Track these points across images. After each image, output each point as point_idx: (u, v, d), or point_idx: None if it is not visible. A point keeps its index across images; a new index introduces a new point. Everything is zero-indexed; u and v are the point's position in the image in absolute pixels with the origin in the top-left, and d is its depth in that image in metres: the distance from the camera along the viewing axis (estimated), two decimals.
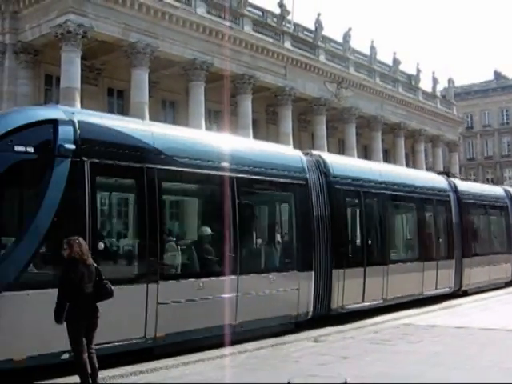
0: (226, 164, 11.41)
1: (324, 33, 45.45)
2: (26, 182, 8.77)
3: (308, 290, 13.00)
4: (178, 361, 9.68)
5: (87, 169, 8.95)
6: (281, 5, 41.35)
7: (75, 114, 9.57)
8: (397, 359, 9.87)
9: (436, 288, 18.44)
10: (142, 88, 31.54)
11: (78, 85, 29.15)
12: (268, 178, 12.50)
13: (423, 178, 20.46)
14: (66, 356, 8.42)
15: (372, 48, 51.17)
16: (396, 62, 54.35)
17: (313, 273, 13.16)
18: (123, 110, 35.78)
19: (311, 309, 13.25)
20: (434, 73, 61.13)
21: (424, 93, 58.17)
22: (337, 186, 14.29)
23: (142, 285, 9.60)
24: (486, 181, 74.98)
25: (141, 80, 31.57)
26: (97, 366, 7.79)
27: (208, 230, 11.45)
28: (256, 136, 40.49)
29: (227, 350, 10.36)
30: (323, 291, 13.52)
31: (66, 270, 7.68)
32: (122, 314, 9.10)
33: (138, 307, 9.52)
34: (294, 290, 12.63)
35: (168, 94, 38.16)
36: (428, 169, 59.82)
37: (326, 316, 13.71)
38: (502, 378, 8.54)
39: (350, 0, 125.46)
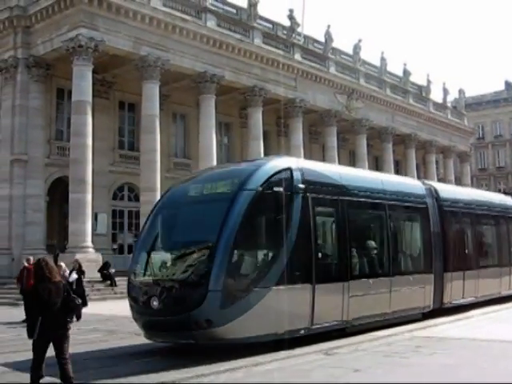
0: (381, 194, 15.42)
1: (334, 44, 45.57)
2: (279, 211, 12.09)
3: (430, 288, 16.50)
4: (191, 373, 9.68)
5: (310, 201, 12.71)
6: (291, 17, 41.48)
7: (299, 162, 13.74)
8: (409, 372, 9.80)
9: (509, 289, 21.69)
10: (153, 101, 31.70)
11: (90, 98, 29.34)
12: (404, 204, 16.42)
13: (497, 198, 24.75)
14: (302, 332, 12.26)
15: (382, 59, 51.24)
16: (406, 73, 54.33)
17: (432, 275, 16.61)
18: (134, 123, 36.02)
19: (431, 303, 16.62)
20: (444, 84, 61.31)
21: (435, 104, 58.12)
22: (444, 208, 17.91)
23: (341, 283, 13.23)
24: (498, 191, 74.52)
25: (152, 93, 31.72)
26: (71, 373, 8.34)
27: (373, 244, 15.20)
28: (267, 148, 40.58)
29: (240, 363, 10.40)
30: (438, 289, 16.87)
31: (35, 287, 8.43)
32: (332, 303, 13.03)
33: (339, 299, 13.17)
34: (422, 288, 16.19)
35: (179, 106, 38.36)
36: (439, 180, 59.69)
37: (439, 309, 16.91)
38: None
39: (360, 12, 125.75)
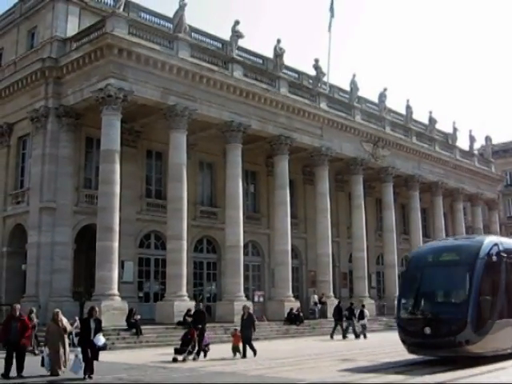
0: None
1: (359, 93, 45.89)
2: (495, 271, 18.27)
3: None
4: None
5: (508, 265, 18.81)
6: (316, 67, 41.92)
7: (498, 238, 20.74)
8: None
9: None
10: (180, 150, 32.00)
11: (118, 147, 29.75)
12: None
13: None
14: (509, 351, 18.39)
15: (408, 107, 51.40)
16: (432, 120, 54.38)
17: None
18: (161, 172, 36.34)
19: None
20: (470, 131, 61.09)
21: (461, 151, 57.93)
22: None
23: None
24: None
25: (179, 142, 32.05)
26: None
27: None
28: (293, 196, 40.64)
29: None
30: None
31: None
32: None
33: None
34: None
35: (205, 155, 38.70)
36: (467, 228, 59.12)
37: None
38: None
39: (385, 60, 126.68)
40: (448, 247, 20.04)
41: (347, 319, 33.15)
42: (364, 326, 33.31)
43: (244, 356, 21.39)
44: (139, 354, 22.72)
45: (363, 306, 35.80)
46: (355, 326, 33.11)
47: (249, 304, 33.96)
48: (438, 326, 17.50)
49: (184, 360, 20.21)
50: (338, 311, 33.41)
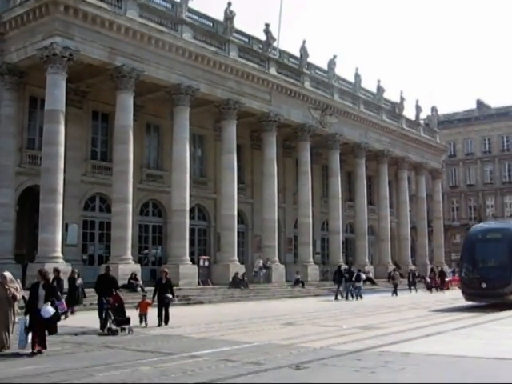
0: None
1: (309, 60, 45.84)
2: None
3: None
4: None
5: None
6: (266, 31, 41.66)
7: None
8: None
9: None
10: (127, 111, 31.57)
11: (63, 107, 29.10)
12: None
13: None
14: None
15: (356, 75, 51.67)
16: (380, 89, 54.86)
17: None
18: (107, 133, 35.81)
19: None
20: (417, 101, 61.84)
21: (407, 120, 58.73)
22: None
23: None
24: (469, 208, 75.40)
25: (126, 104, 31.60)
26: None
27: None
28: (240, 161, 40.60)
29: None
30: None
31: None
32: None
33: None
34: None
35: (153, 117, 38.26)
36: (411, 196, 60.25)
37: None
38: None
39: (336, 28, 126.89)
40: (492, 229, 28.02)
41: (346, 281, 35.32)
42: (359, 288, 35.92)
43: (166, 322, 19.84)
44: (82, 318, 22.55)
45: (359, 270, 39.16)
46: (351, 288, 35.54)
47: (191, 268, 34.16)
48: (490, 282, 25.02)
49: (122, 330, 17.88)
50: (339, 274, 35.73)
